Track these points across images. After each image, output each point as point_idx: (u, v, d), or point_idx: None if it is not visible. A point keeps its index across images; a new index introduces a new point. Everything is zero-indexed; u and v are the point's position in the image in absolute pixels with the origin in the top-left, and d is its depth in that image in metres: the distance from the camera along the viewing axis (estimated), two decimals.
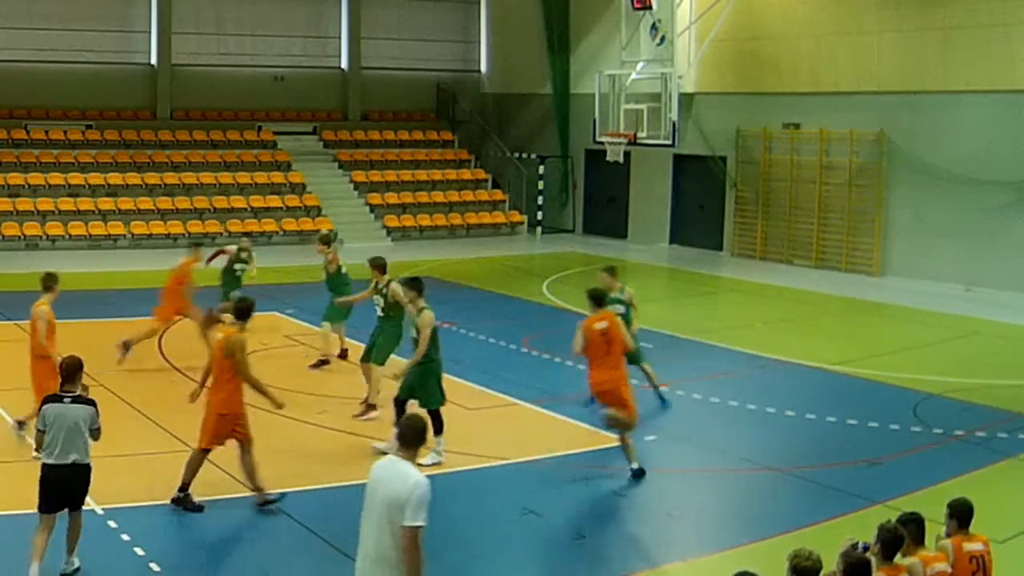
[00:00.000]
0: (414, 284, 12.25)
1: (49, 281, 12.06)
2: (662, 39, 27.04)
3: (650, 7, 26.77)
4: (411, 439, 6.63)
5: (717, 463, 12.42)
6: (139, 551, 9.27)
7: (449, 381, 15.37)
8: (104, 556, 9.23)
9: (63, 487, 8.72)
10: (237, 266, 17.95)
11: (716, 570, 9.47)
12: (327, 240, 16.69)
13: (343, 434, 13.00)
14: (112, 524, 9.78)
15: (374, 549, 6.46)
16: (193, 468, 10.41)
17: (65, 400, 8.74)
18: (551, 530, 10.48)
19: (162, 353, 16.66)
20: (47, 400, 8.84)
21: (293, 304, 20.67)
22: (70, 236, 27.62)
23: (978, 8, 23.63)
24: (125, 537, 9.54)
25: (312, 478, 11.32)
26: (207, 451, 10.50)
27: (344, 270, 16.50)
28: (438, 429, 11.77)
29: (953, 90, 24.12)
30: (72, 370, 8.90)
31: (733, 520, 10.82)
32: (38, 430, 8.80)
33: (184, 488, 10.35)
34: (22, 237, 27.23)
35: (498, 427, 13.14)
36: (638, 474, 11.66)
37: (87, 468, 8.78)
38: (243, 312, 10.75)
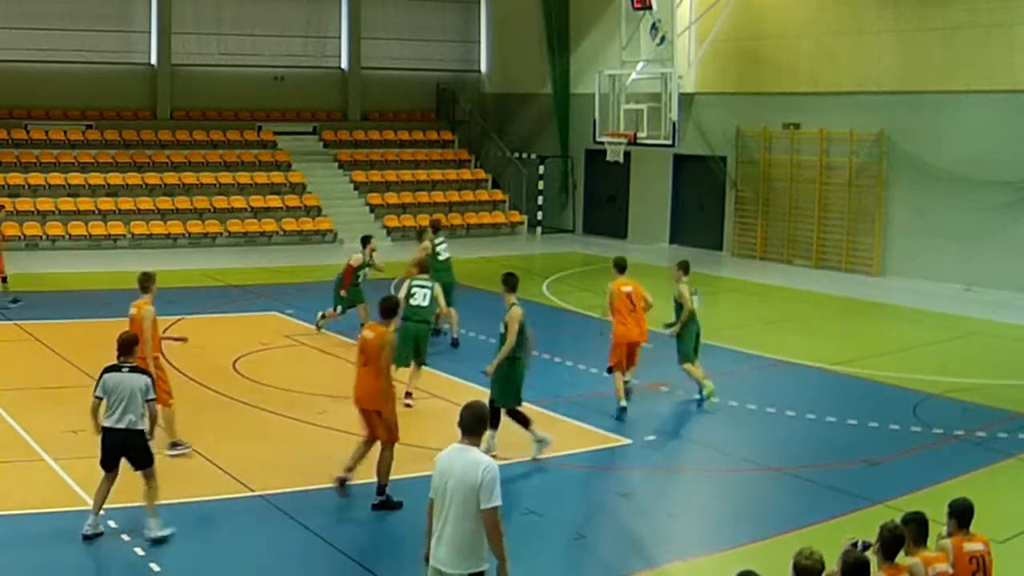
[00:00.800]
0: (507, 280, 12.53)
1: (146, 281, 12.10)
2: (662, 39, 27.03)
3: (650, 7, 26.76)
4: (472, 426, 6.94)
5: (717, 463, 12.42)
6: (139, 551, 9.28)
7: (449, 381, 15.44)
8: (104, 556, 9.24)
9: (118, 447, 9.49)
10: (361, 272, 18.00)
11: (716, 570, 9.47)
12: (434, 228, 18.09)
13: (343, 434, 12.99)
14: (112, 524, 9.78)
15: (452, 536, 6.73)
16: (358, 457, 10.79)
17: (123, 370, 9.52)
18: (551, 530, 10.48)
19: (162, 353, 16.63)
20: (107, 370, 9.57)
21: (293, 304, 20.68)
22: (70, 236, 27.61)
23: (978, 8, 23.63)
24: (125, 537, 9.54)
25: (312, 478, 11.31)
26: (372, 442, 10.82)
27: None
28: (495, 423, 11.88)
29: (953, 90, 24.12)
30: (129, 343, 9.74)
31: (733, 520, 10.82)
32: (96, 397, 9.49)
33: (381, 490, 10.57)
34: (22, 237, 27.20)
35: (498, 427, 13.10)
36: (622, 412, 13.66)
37: (141, 433, 9.52)
38: (390, 310, 11.01)
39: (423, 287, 14.91)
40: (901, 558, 6.83)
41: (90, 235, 27.83)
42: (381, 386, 10.55)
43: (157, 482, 9.67)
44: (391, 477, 10.56)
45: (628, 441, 12.97)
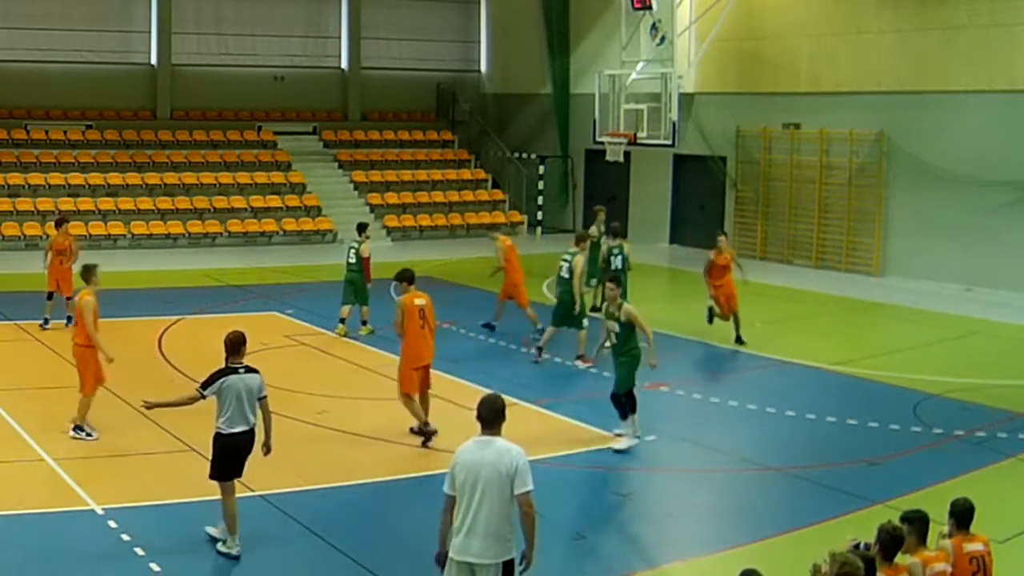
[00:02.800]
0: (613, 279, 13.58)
1: (86, 273, 12.32)
2: (662, 39, 27.02)
3: (650, 7, 26.74)
4: (491, 419, 7.21)
5: (717, 463, 12.42)
6: (139, 551, 9.27)
7: (449, 381, 15.44)
8: (104, 556, 9.24)
9: (241, 452, 9.39)
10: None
11: (716, 570, 9.47)
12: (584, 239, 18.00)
13: (343, 434, 13.00)
14: (112, 524, 9.78)
15: (486, 527, 6.95)
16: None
17: (240, 371, 9.32)
18: (551, 530, 10.46)
19: (162, 353, 16.66)
20: (224, 372, 9.30)
21: (293, 304, 20.68)
22: None
23: (978, 8, 23.63)
24: (125, 537, 9.54)
25: (312, 478, 11.32)
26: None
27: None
28: (632, 409, 12.71)
29: (953, 90, 24.11)
30: (237, 343, 9.41)
31: (733, 520, 10.83)
32: (201, 394, 9.28)
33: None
34: (22, 237, 27.22)
35: None
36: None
37: (254, 432, 9.43)
38: (411, 278, 13.04)
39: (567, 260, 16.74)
40: (901, 558, 6.84)
41: (90, 235, 27.80)
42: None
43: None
44: None
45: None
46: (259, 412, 9.45)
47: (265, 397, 9.46)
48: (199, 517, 10.35)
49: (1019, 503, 11.13)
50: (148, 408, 9.89)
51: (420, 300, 12.92)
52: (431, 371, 13.17)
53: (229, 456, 9.34)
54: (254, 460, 11.22)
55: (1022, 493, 11.51)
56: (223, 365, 9.37)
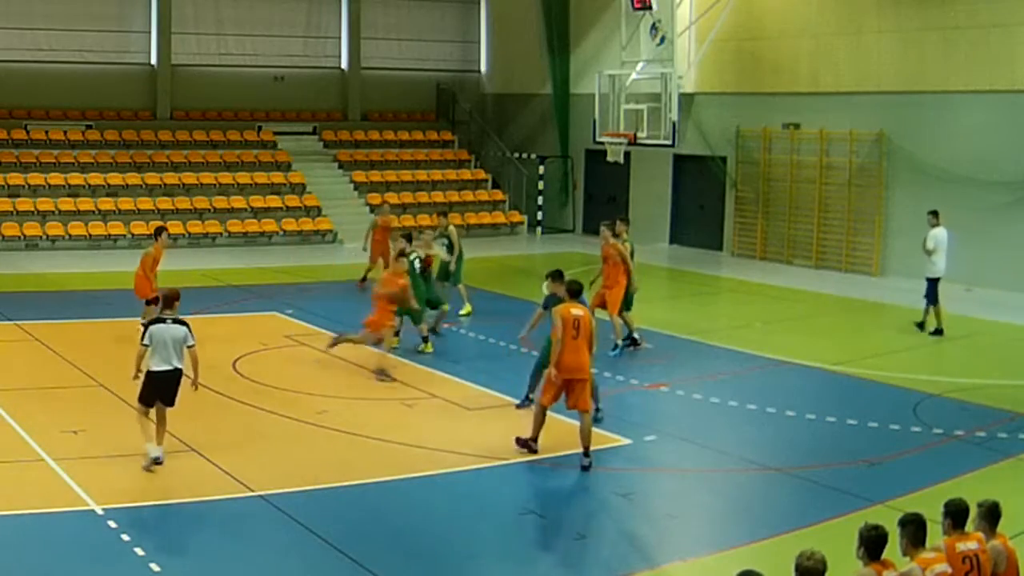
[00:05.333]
0: None
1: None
2: (662, 39, 27.02)
3: (650, 7, 26.74)
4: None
5: (717, 463, 12.42)
6: (139, 551, 9.27)
7: (449, 381, 15.45)
8: (104, 556, 9.24)
9: (163, 387, 11.38)
10: None
11: (716, 570, 9.47)
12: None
13: (343, 434, 13.00)
14: (112, 524, 9.78)
15: None
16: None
17: (167, 322, 11.46)
18: (551, 530, 10.48)
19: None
20: (152, 322, 11.61)
21: (293, 304, 20.68)
22: (70, 236, 27.60)
23: (978, 8, 23.62)
24: (125, 537, 9.53)
25: (312, 478, 11.32)
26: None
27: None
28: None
29: (953, 90, 24.10)
30: (171, 298, 11.71)
31: (733, 520, 10.82)
32: (143, 345, 11.37)
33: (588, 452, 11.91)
34: (22, 237, 27.22)
35: (498, 427, 13.13)
36: None
37: (181, 372, 11.45)
38: (578, 291, 12.61)
39: None
40: (899, 561, 6.83)
41: (90, 235, 27.82)
42: (589, 358, 12.06)
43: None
44: None
45: (628, 441, 12.97)
46: (187, 357, 11.43)
47: (193, 346, 11.44)
48: (199, 517, 10.37)
49: (1019, 503, 11.12)
50: (135, 379, 11.63)
51: (577, 311, 12.22)
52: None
53: (150, 388, 11.40)
54: (255, 460, 11.27)
55: (1022, 493, 11.50)
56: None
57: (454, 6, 36.62)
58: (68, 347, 16.60)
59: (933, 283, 19.62)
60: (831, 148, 26.80)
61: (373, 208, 31.94)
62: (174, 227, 28.87)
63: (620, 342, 17.26)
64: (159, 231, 18.02)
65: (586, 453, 11.87)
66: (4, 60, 29.66)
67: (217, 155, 31.51)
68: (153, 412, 11.53)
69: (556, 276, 13.49)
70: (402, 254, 16.99)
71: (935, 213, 20.28)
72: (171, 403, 11.51)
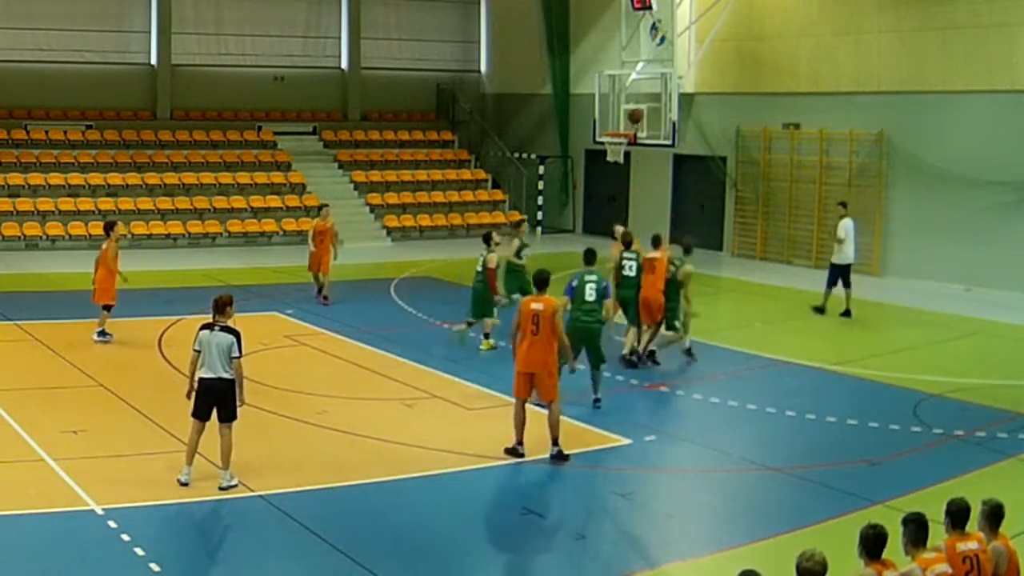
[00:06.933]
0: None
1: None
2: (662, 39, 27.00)
3: (650, 7, 26.72)
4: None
5: (717, 463, 12.42)
6: (139, 551, 9.27)
7: (449, 381, 15.44)
8: (104, 556, 9.23)
9: (211, 396, 10.72)
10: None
11: (716, 570, 9.47)
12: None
13: (343, 434, 13.00)
14: (112, 524, 9.77)
15: None
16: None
17: (214, 329, 10.74)
18: (551, 530, 10.48)
19: (162, 353, 16.66)
20: (202, 327, 10.84)
21: (293, 304, 20.68)
22: (70, 236, 27.59)
23: (978, 8, 23.62)
24: (125, 537, 9.53)
25: (312, 478, 11.32)
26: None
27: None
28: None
29: (953, 90, 24.10)
30: (223, 303, 10.95)
31: (733, 520, 10.82)
32: (195, 351, 10.77)
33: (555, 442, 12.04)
34: (22, 237, 27.21)
35: (498, 427, 13.12)
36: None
37: (231, 383, 10.73)
38: (545, 283, 12.50)
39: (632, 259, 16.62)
40: (902, 560, 6.83)
41: (90, 235, 27.75)
42: (554, 349, 11.99)
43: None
44: None
45: (628, 441, 12.97)
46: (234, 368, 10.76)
47: (238, 357, 10.72)
48: (199, 517, 10.37)
49: (1019, 503, 11.11)
50: (189, 396, 10.99)
51: (537, 305, 12.22)
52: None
53: (197, 396, 10.80)
54: (255, 460, 11.27)
55: (1022, 493, 11.50)
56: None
57: (454, 6, 36.62)
58: (68, 347, 16.60)
59: (842, 269, 20.75)
60: (831, 148, 26.80)
61: (373, 208, 31.99)
62: (174, 227, 28.92)
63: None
64: (111, 225, 17.88)
65: (555, 442, 12.01)
66: (4, 60, 29.65)
67: (217, 155, 31.51)
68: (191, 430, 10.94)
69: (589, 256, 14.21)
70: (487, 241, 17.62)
71: (844, 204, 21.63)
72: (227, 418, 10.77)
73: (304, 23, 34.10)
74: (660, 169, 30.85)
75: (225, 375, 10.65)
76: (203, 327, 10.80)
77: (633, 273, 16.50)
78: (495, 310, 17.52)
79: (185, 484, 10.72)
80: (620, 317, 16.55)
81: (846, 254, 20.81)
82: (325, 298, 21.02)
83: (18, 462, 11.45)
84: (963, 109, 23.97)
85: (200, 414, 10.78)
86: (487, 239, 17.85)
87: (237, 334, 10.76)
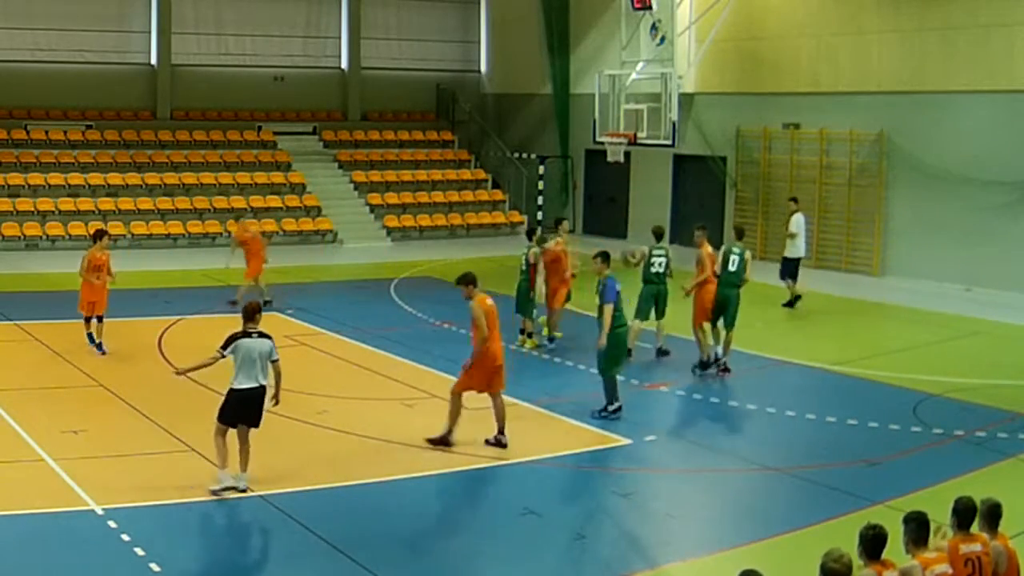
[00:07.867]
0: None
1: None
2: (662, 39, 27.02)
3: (650, 7, 26.74)
4: None
5: (717, 463, 12.42)
6: (139, 551, 9.27)
7: (449, 381, 15.39)
8: (104, 556, 9.24)
9: (248, 406, 10.76)
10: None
11: (716, 570, 9.47)
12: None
13: (343, 434, 13.00)
14: (112, 524, 9.78)
15: None
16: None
17: (252, 336, 10.78)
18: (551, 530, 10.48)
19: (162, 353, 16.67)
20: (236, 335, 10.75)
21: (293, 304, 20.67)
22: (70, 236, 27.58)
23: (978, 8, 23.63)
24: (125, 537, 9.54)
25: (312, 478, 11.32)
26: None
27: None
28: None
29: (953, 90, 24.10)
30: (252, 311, 10.97)
31: (733, 520, 10.82)
32: (221, 353, 10.69)
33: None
34: (22, 237, 27.21)
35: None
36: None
37: (265, 389, 10.83)
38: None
39: (661, 256, 17.38)
40: (903, 559, 6.82)
41: (90, 235, 27.78)
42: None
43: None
44: None
45: (628, 441, 12.97)
46: (271, 371, 10.81)
47: (277, 360, 10.87)
48: (199, 517, 10.37)
49: (1019, 503, 11.12)
50: (178, 375, 11.28)
51: (491, 301, 12.84)
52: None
53: (235, 407, 10.69)
54: (255, 460, 11.26)
55: (1022, 493, 11.50)
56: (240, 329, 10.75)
57: (454, 6, 36.62)
58: (68, 347, 16.60)
59: (794, 262, 21.67)
60: (831, 148, 26.80)
61: (373, 208, 32.00)
62: (174, 227, 28.92)
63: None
64: (100, 234, 17.59)
65: (501, 431, 12.46)
66: (4, 60, 29.66)
67: (217, 155, 31.51)
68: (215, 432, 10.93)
69: (604, 257, 14.22)
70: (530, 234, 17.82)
71: (795, 199, 22.62)
72: (256, 423, 10.92)
73: (304, 23, 34.11)
74: (660, 169, 30.84)
75: (264, 382, 10.78)
76: (241, 335, 10.72)
77: (735, 268, 16.81)
78: (534, 310, 17.54)
79: (242, 489, 10.70)
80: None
81: (797, 247, 21.78)
82: (234, 303, 19.68)
83: (18, 462, 11.45)
84: (963, 109, 23.97)
85: (232, 422, 10.81)
86: (530, 234, 17.96)
87: (271, 338, 11.02)
